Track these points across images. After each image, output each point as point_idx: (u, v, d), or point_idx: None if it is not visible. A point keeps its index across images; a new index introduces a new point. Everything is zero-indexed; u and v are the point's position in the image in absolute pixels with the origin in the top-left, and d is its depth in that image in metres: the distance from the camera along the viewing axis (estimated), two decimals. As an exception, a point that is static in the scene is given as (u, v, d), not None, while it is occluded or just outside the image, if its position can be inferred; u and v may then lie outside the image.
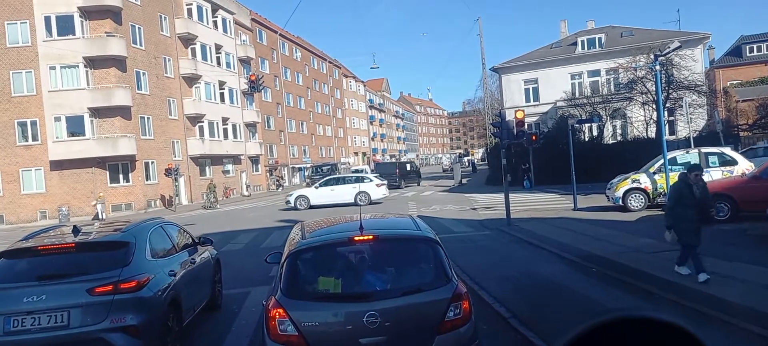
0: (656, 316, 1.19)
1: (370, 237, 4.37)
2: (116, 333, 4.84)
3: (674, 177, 14.97)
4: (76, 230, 5.97)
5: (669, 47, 15.58)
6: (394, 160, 68.90)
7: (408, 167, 42.73)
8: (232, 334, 6.70)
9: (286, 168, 57.59)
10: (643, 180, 15.68)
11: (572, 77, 37.53)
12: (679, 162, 15.50)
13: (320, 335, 3.97)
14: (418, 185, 40.55)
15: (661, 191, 15.29)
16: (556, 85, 36.12)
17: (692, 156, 15.62)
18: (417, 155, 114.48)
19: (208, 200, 33.63)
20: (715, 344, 4.97)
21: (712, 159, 15.28)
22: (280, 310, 3.96)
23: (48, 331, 4.72)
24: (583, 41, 38.35)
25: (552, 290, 7.89)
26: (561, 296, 7.55)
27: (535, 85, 38.54)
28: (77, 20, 31.53)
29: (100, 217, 29.70)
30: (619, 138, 33.04)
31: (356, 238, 4.34)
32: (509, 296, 7.51)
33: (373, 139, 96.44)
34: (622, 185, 15.85)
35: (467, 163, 71.67)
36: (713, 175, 14.64)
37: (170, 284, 5.75)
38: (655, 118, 27.35)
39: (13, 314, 4.75)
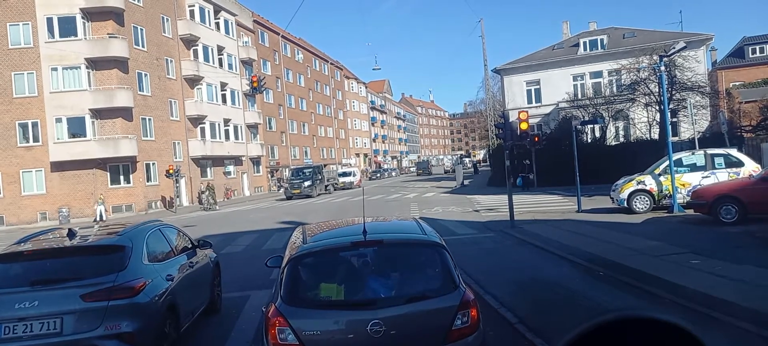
0: (657, 316, 1.19)
1: (374, 242, 4.21)
2: (110, 341, 4.70)
3: (680, 179, 14.91)
4: (71, 234, 5.82)
5: (674, 48, 15.45)
6: (420, 160, 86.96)
7: (431, 164, 73.89)
8: (231, 340, 6.53)
9: (287, 169, 57.42)
10: (649, 182, 15.50)
11: (574, 79, 37.36)
12: (684, 163, 15.35)
13: (322, 344, 3.81)
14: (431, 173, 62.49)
15: (667, 192, 15.12)
16: (558, 87, 35.99)
17: (698, 157, 15.45)
18: (418, 156, 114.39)
19: (207, 202, 33.51)
20: (717, 344, 4.83)
21: (718, 160, 15.09)
22: (279, 318, 3.80)
23: (40, 338, 4.58)
24: (585, 42, 38.20)
25: (559, 294, 7.73)
26: (568, 299, 7.38)
27: (538, 87, 38.37)
28: (79, 22, 31.50)
29: (101, 218, 29.62)
30: (621, 139, 32.88)
31: (360, 242, 4.18)
32: (515, 300, 7.35)
33: (374, 140, 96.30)
34: (627, 187, 15.68)
35: (469, 165, 71.58)
36: (719, 176, 14.48)
37: (167, 288, 5.61)
38: (658, 120, 27.15)
39: (4, 321, 4.61)
